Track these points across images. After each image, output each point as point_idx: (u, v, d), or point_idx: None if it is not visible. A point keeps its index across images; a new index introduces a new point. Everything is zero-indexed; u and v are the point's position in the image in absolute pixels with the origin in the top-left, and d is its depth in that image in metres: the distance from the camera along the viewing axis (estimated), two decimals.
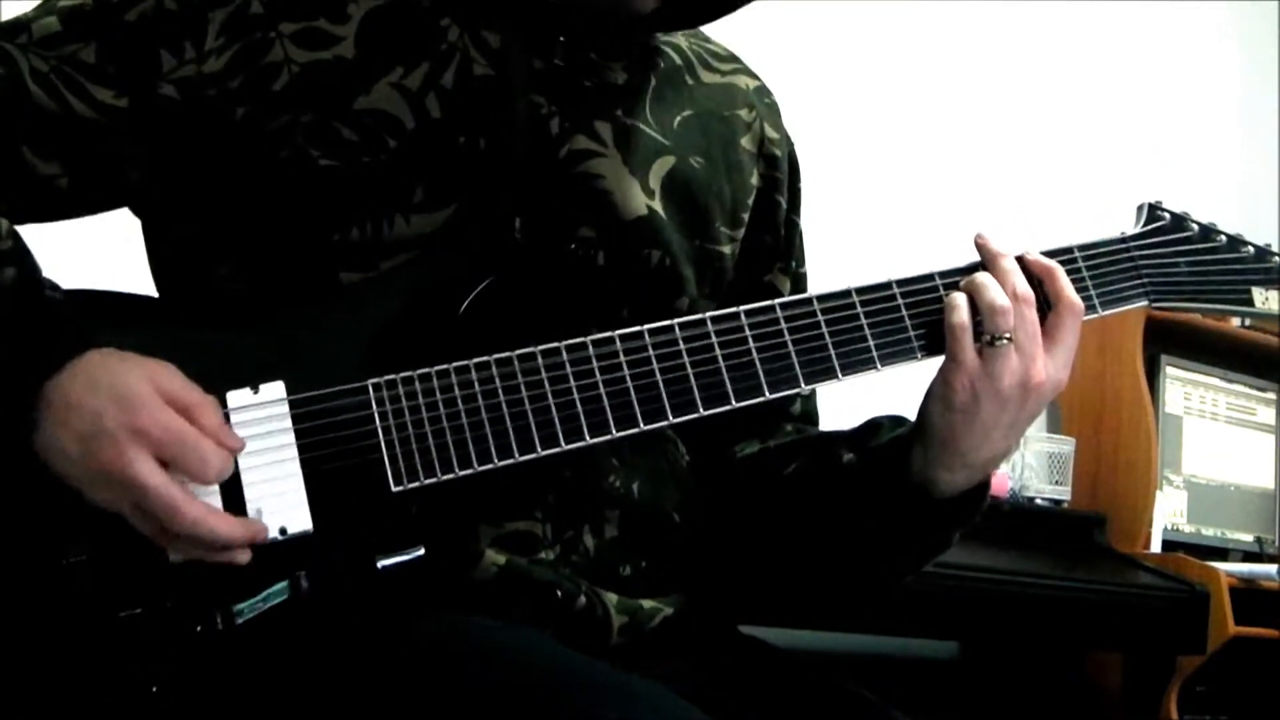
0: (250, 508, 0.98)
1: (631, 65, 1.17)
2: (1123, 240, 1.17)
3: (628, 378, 1.03)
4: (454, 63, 1.09)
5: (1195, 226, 1.20)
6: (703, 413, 1.04)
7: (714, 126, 1.22)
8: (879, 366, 1.07)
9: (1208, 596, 2.86)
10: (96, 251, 1.52)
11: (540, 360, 1.02)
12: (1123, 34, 3.63)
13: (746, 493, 1.23)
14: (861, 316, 1.07)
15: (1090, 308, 1.13)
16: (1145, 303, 1.16)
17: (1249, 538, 3.48)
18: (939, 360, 1.08)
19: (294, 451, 0.99)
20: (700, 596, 1.19)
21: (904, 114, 3.20)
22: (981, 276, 1.08)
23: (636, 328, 1.04)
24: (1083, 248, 1.14)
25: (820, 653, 2.56)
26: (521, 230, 1.08)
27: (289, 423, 1.00)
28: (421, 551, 1.00)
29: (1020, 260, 1.09)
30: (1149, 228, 1.18)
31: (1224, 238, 1.20)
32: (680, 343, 1.04)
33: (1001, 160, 3.31)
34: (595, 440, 1.02)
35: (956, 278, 1.10)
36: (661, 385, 1.04)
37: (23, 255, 1.01)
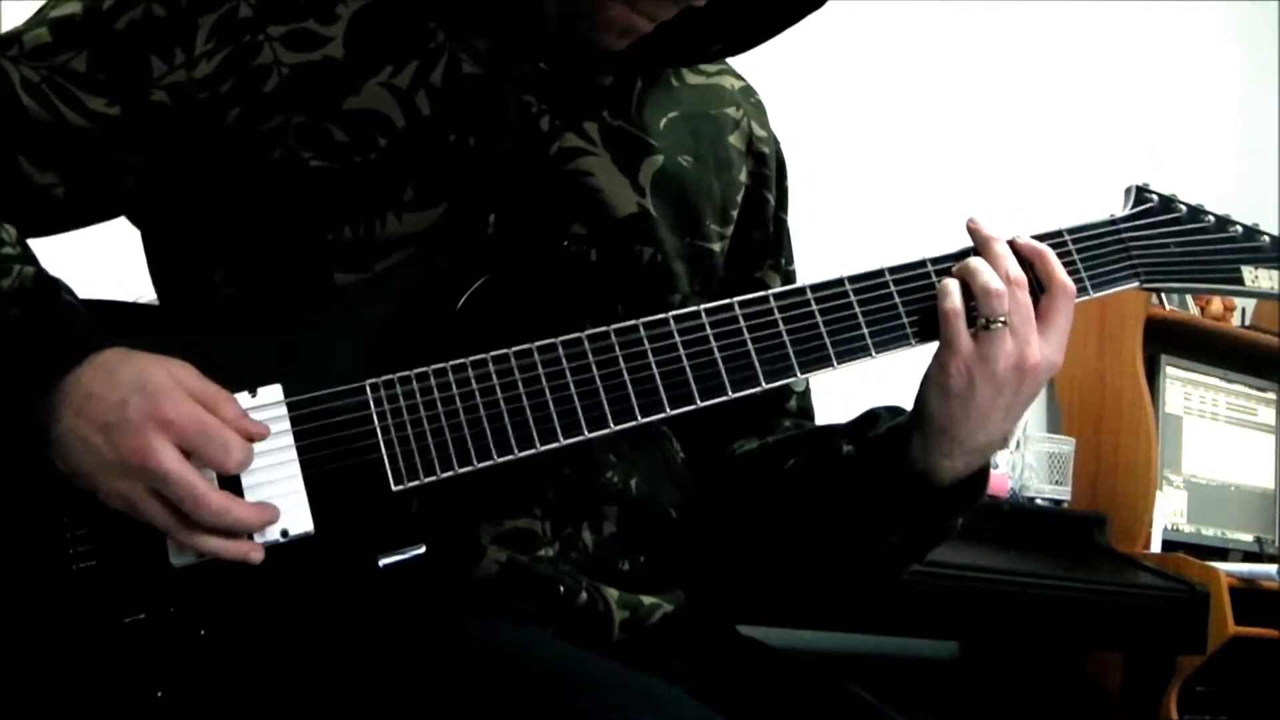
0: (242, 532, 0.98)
1: (618, 68, 1.17)
2: (1112, 222, 1.17)
3: (624, 371, 1.03)
4: (442, 61, 1.09)
5: (1183, 207, 1.20)
6: (700, 404, 1.04)
7: (702, 125, 1.22)
8: (874, 354, 1.07)
9: (1208, 596, 2.86)
10: (97, 260, 1.53)
11: (537, 356, 1.03)
12: (1123, 33, 3.63)
13: (746, 489, 1.23)
14: (855, 305, 1.08)
15: (1081, 290, 1.13)
16: (1136, 284, 1.16)
17: (1249, 538, 3.48)
18: (934, 347, 1.08)
19: (293, 453, 0.99)
20: (699, 596, 1.19)
21: (905, 117, 3.20)
22: (974, 261, 1.08)
23: (631, 322, 1.04)
24: (1072, 230, 1.15)
25: (820, 653, 2.57)
26: (496, 225, 1.08)
27: (288, 425, 1.00)
28: (423, 550, 1.00)
29: (1011, 244, 1.09)
30: (1138, 209, 1.19)
31: (1212, 218, 1.21)
32: (676, 335, 1.05)
33: (1001, 160, 3.32)
34: (594, 434, 1.03)
35: (949, 264, 1.10)
36: (658, 378, 1.04)
37: (34, 258, 1.03)
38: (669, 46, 1.15)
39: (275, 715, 0.98)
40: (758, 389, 1.05)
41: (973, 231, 1.10)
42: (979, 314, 1.06)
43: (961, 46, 3.33)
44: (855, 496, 1.14)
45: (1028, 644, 3.05)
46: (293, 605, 0.99)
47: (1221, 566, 3.00)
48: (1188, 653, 2.89)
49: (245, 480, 0.98)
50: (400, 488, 1.00)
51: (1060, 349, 1.08)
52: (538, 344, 1.03)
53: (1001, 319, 1.05)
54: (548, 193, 1.11)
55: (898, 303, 1.08)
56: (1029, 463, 3.08)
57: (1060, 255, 1.12)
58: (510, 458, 1.01)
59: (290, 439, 1.00)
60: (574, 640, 1.05)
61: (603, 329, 1.04)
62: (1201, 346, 3.52)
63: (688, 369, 1.04)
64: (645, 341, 1.04)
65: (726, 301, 1.06)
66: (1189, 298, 3.55)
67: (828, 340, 1.07)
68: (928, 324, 1.08)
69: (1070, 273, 1.11)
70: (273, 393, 1.00)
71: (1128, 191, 1.20)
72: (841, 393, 1.43)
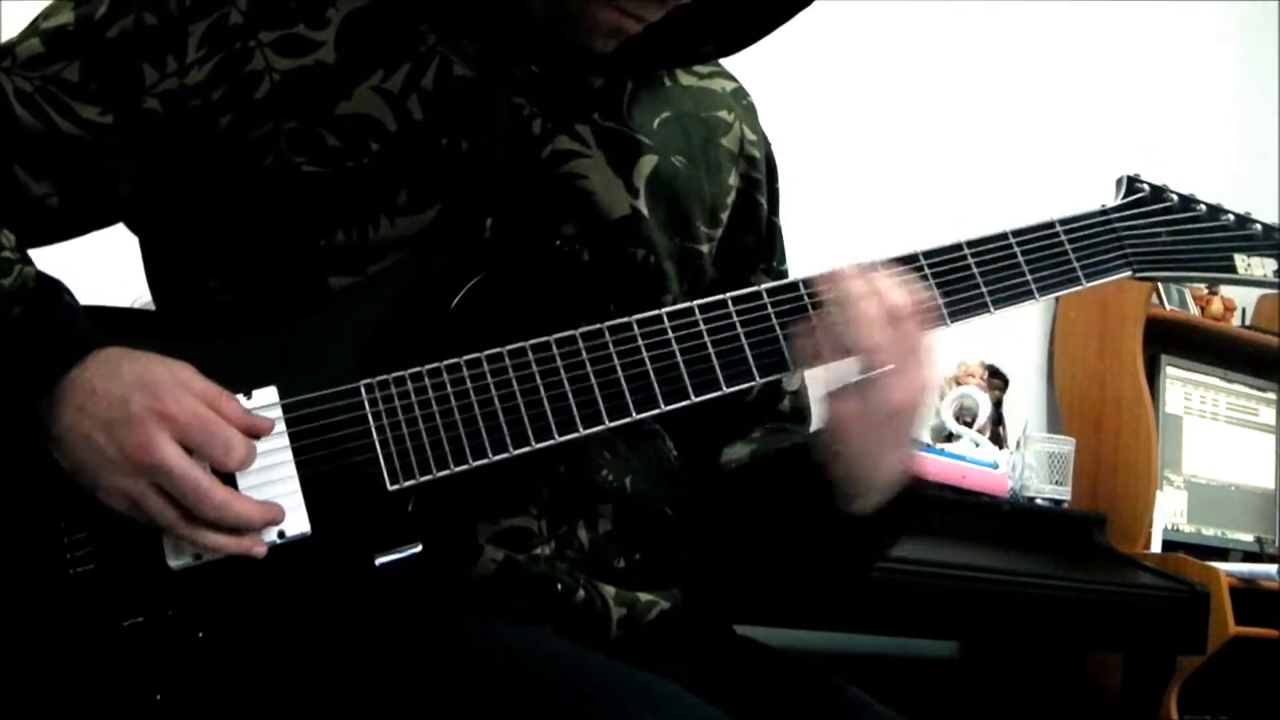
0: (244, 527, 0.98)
1: (609, 70, 1.17)
2: (1103, 212, 1.17)
3: (618, 368, 1.04)
4: (434, 64, 1.09)
5: (1175, 197, 1.20)
6: (694, 399, 1.05)
7: (694, 127, 1.22)
8: None
9: (1208, 596, 2.86)
10: (95, 267, 1.53)
11: (531, 355, 1.03)
12: (1122, 33, 3.63)
13: (726, 502, 1.23)
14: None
15: (1074, 280, 1.13)
16: (1129, 273, 1.16)
17: (1249, 538, 3.48)
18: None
19: (289, 455, 1.00)
20: (695, 593, 1.19)
21: (904, 116, 3.20)
22: (863, 309, 1.04)
23: (624, 319, 1.05)
24: (1064, 221, 1.15)
25: (820, 653, 2.57)
26: (492, 230, 1.09)
27: (283, 427, 1.00)
28: (419, 548, 1.00)
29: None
30: (1129, 199, 1.19)
31: (1204, 207, 1.21)
32: (669, 332, 1.05)
33: (1000, 159, 3.32)
34: (589, 431, 1.03)
35: (941, 257, 1.09)
36: (652, 375, 1.04)
37: (33, 262, 1.04)
38: (660, 47, 1.15)
39: (274, 717, 0.98)
40: (751, 383, 1.06)
41: (844, 280, 1.05)
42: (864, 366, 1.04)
43: (961, 46, 3.33)
44: (803, 528, 1.15)
45: (1028, 644, 3.05)
46: (291, 606, 0.99)
47: (1221, 566, 3.00)
48: (1188, 653, 2.89)
49: (241, 482, 0.98)
50: (396, 487, 1.00)
51: (920, 370, 1.05)
52: (532, 342, 1.03)
53: (873, 372, 1.04)
54: (541, 195, 1.11)
55: None
56: (1029, 463, 3.08)
57: (1052, 246, 1.12)
58: (505, 456, 1.01)
59: (286, 440, 1.00)
60: (572, 638, 1.05)
61: (596, 326, 1.04)
62: (1201, 346, 3.52)
63: (681, 365, 1.04)
64: (639, 339, 1.04)
65: (720, 297, 1.06)
66: (1189, 297, 3.55)
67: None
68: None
69: (1062, 263, 1.12)
70: (268, 395, 1.00)
71: (1119, 182, 1.21)
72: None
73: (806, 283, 1.08)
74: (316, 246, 1.06)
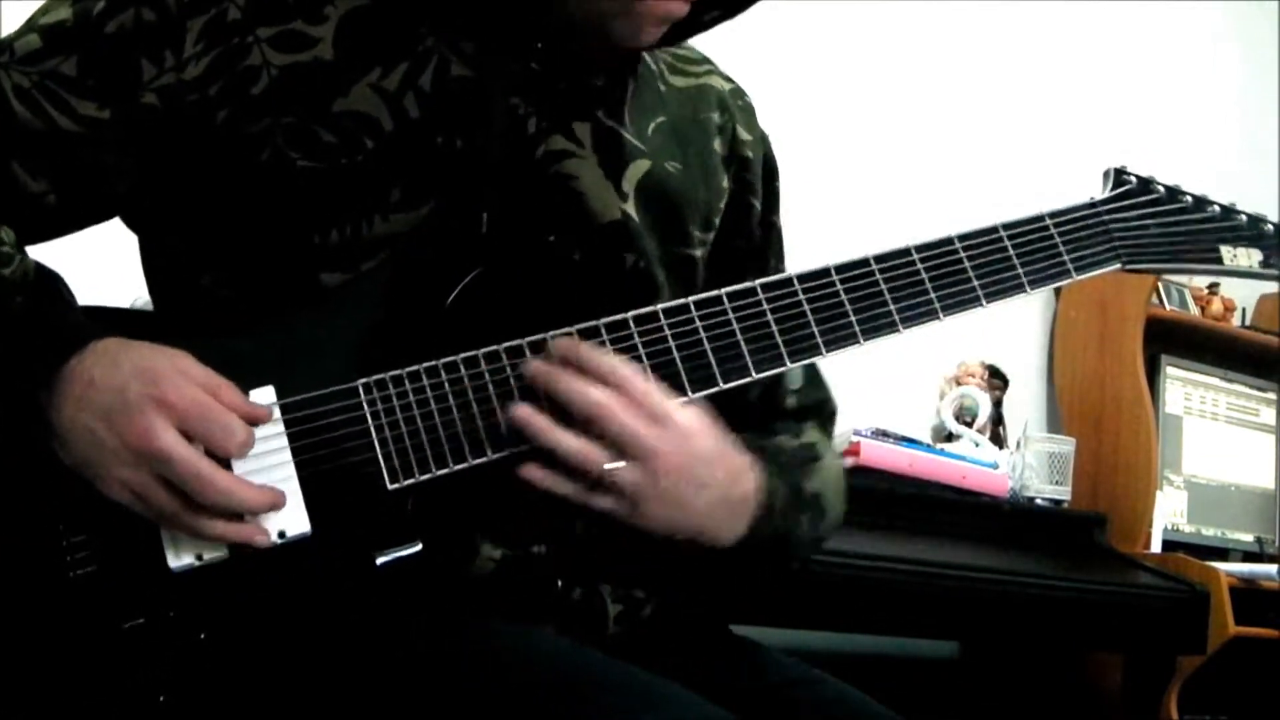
0: (246, 514, 0.98)
1: (609, 71, 1.17)
2: (1092, 205, 1.17)
3: None
4: (431, 64, 1.09)
5: (1162, 189, 1.21)
6: (691, 396, 1.05)
7: (688, 131, 1.22)
8: (861, 341, 1.08)
9: (1208, 596, 2.86)
10: (93, 265, 1.53)
11: (528, 353, 1.03)
12: (1122, 33, 3.63)
13: None
14: (842, 294, 1.08)
15: (1064, 273, 1.14)
16: (1118, 265, 1.16)
17: (1249, 538, 3.48)
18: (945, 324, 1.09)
19: (288, 455, 1.00)
20: (692, 594, 1.19)
21: (905, 115, 3.20)
22: (550, 438, 1.00)
23: (620, 316, 1.05)
24: (1053, 214, 1.15)
25: (820, 653, 2.56)
26: (489, 226, 1.09)
27: (281, 426, 1.00)
28: (419, 547, 1.00)
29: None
30: (1117, 192, 1.19)
31: (1190, 198, 1.22)
32: (666, 329, 1.05)
33: (999, 159, 3.32)
34: None
35: (932, 251, 1.09)
36: (649, 371, 1.04)
37: (29, 257, 1.04)
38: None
39: (276, 717, 0.98)
40: (748, 379, 1.06)
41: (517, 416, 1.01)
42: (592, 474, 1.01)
43: (961, 45, 3.33)
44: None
45: (1028, 644, 3.05)
46: (291, 606, 0.99)
47: (1221, 566, 3.00)
48: (1188, 653, 2.89)
49: None
50: (395, 486, 1.00)
51: (652, 429, 1.00)
52: (528, 339, 1.03)
53: (615, 466, 1.01)
54: (533, 195, 1.11)
55: (883, 289, 1.09)
56: (1029, 463, 3.08)
57: (1042, 239, 1.13)
58: (505, 453, 1.01)
59: (284, 440, 1.00)
60: (570, 635, 1.05)
61: (592, 324, 1.04)
62: (1201, 346, 3.52)
63: (678, 361, 1.05)
64: (635, 336, 1.04)
65: (715, 293, 1.07)
66: (1189, 297, 3.55)
67: (816, 329, 1.07)
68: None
69: (1052, 256, 1.12)
70: (266, 394, 1.00)
71: (1106, 174, 1.21)
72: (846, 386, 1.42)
73: (801, 278, 1.08)
74: (310, 243, 1.06)
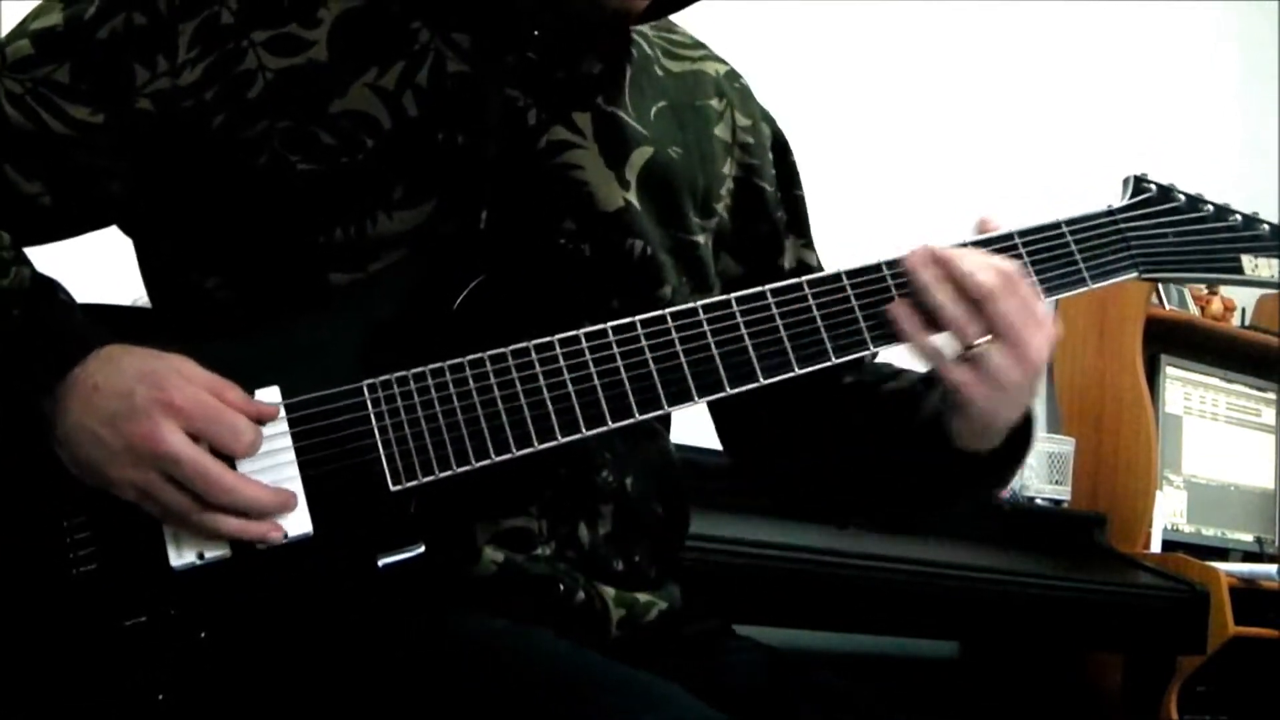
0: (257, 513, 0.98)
1: (606, 56, 1.17)
2: (1109, 213, 1.16)
3: (621, 369, 1.03)
4: (428, 61, 1.09)
5: (1182, 197, 1.19)
6: (697, 400, 1.05)
7: (687, 117, 1.22)
8: (871, 347, 1.08)
9: (1208, 596, 2.86)
10: (93, 266, 1.53)
11: (534, 355, 1.03)
12: (1123, 33, 3.63)
13: (838, 413, 1.22)
14: (853, 299, 1.07)
15: (1080, 281, 1.13)
16: (1135, 274, 1.15)
17: (1249, 538, 3.48)
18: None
19: (291, 455, 0.99)
20: (695, 595, 1.19)
21: (905, 115, 3.20)
22: (932, 298, 1.05)
23: (628, 319, 1.04)
24: (1070, 222, 1.14)
25: (820, 653, 2.57)
26: (488, 221, 1.09)
27: (285, 427, 1.00)
28: (422, 549, 1.00)
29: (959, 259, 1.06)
30: (1135, 200, 1.17)
31: (1211, 207, 1.19)
32: (673, 332, 1.05)
33: (999, 159, 3.32)
34: (592, 432, 1.03)
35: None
36: (655, 375, 1.04)
37: (29, 262, 1.04)
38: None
39: (276, 717, 0.98)
40: (755, 384, 1.05)
41: (915, 269, 1.06)
42: (960, 345, 1.05)
43: (962, 46, 3.33)
44: (912, 469, 1.16)
45: (1028, 644, 3.05)
46: (293, 606, 0.99)
47: (1221, 566, 3.00)
48: (1188, 653, 2.90)
49: None
50: (399, 488, 1.00)
51: (1039, 325, 1.06)
52: (534, 342, 1.03)
53: (979, 341, 1.05)
54: (537, 187, 1.11)
55: (895, 295, 1.08)
56: (1029, 463, 3.08)
57: (1058, 247, 1.12)
58: (508, 457, 1.01)
59: (288, 441, 1.00)
60: (572, 638, 1.05)
61: (600, 327, 1.04)
62: (1201, 346, 3.52)
63: (685, 365, 1.04)
64: (643, 339, 1.04)
65: (724, 298, 1.06)
66: (1189, 297, 3.55)
67: (825, 335, 1.06)
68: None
69: (1068, 264, 1.11)
70: (270, 395, 1.00)
71: (1125, 181, 1.19)
72: None
73: (810, 283, 1.08)
74: (315, 244, 1.06)
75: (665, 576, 1.18)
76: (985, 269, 1.05)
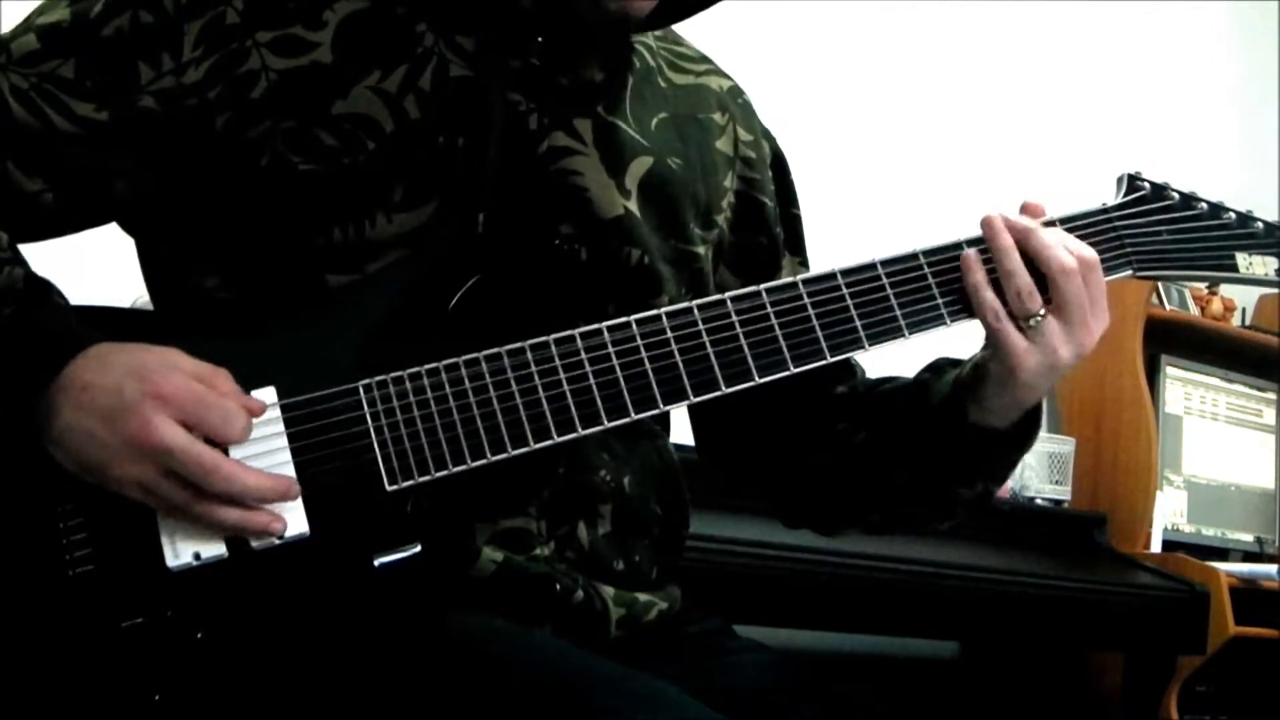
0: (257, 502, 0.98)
1: (608, 64, 1.17)
2: (1104, 211, 1.16)
3: (617, 368, 1.03)
4: (431, 65, 1.09)
5: (1176, 195, 1.19)
6: (693, 399, 1.04)
7: (689, 129, 1.22)
8: (866, 346, 1.08)
9: (1208, 596, 2.86)
10: (94, 265, 1.53)
11: (529, 354, 1.03)
12: (1123, 33, 3.63)
13: (842, 422, 1.23)
14: (847, 297, 1.07)
15: None
16: (1129, 272, 1.15)
17: (1249, 538, 3.48)
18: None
19: (288, 455, 0.99)
20: (695, 595, 1.19)
21: (905, 115, 3.20)
22: (1009, 262, 1.07)
23: (623, 319, 1.04)
24: (1065, 220, 1.14)
25: (820, 653, 2.57)
26: (486, 224, 1.09)
27: (281, 427, 1.00)
28: (418, 548, 1.00)
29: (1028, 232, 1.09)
30: (1130, 198, 1.18)
31: (1205, 205, 1.20)
32: (668, 331, 1.05)
33: (999, 159, 3.32)
34: (587, 431, 1.03)
35: (938, 256, 1.09)
36: (651, 374, 1.04)
37: (24, 261, 1.03)
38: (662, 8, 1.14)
39: (273, 718, 0.98)
40: (750, 384, 1.05)
41: (994, 230, 1.09)
42: (1014, 312, 1.07)
43: (963, 46, 3.33)
44: (918, 460, 1.16)
45: (1028, 644, 3.06)
46: (289, 607, 0.99)
47: (1221, 566, 3.00)
48: (1188, 653, 2.90)
49: None
50: (395, 487, 1.00)
51: (1103, 315, 1.09)
52: (530, 342, 1.03)
53: (1041, 312, 1.06)
54: (536, 192, 1.11)
55: (889, 293, 1.08)
56: (1029, 463, 3.08)
57: None
58: (504, 456, 1.01)
59: (284, 441, 0.99)
60: (571, 639, 1.05)
61: (595, 326, 1.04)
62: (1201, 346, 3.52)
63: (680, 364, 1.04)
64: (638, 338, 1.04)
65: (719, 297, 1.06)
66: (1189, 297, 3.55)
67: (820, 333, 1.07)
68: (962, 302, 1.09)
69: None
70: (266, 395, 1.00)
71: (1119, 180, 1.19)
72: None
73: (806, 282, 1.08)
74: (314, 244, 1.06)
75: (665, 576, 1.18)
76: (1063, 247, 1.07)
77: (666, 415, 1.18)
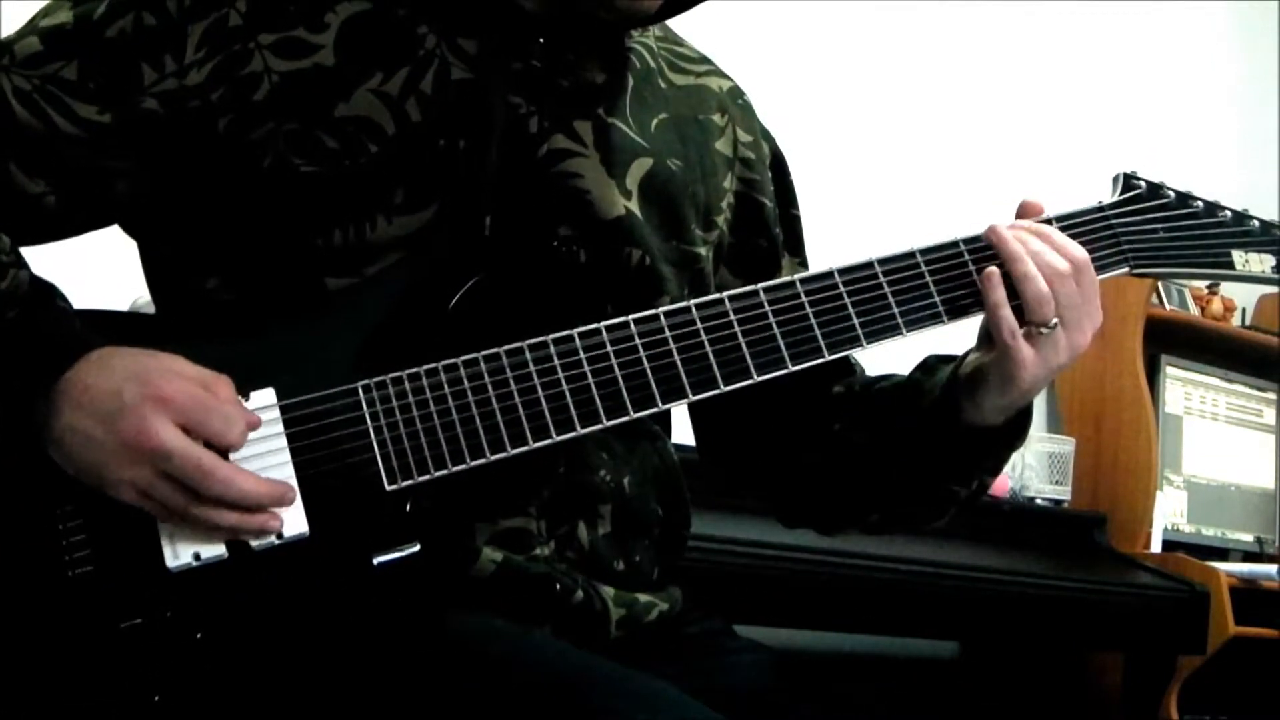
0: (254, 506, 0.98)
1: (609, 66, 1.17)
2: (1100, 209, 1.17)
3: (615, 367, 1.04)
4: (432, 68, 1.10)
5: (1171, 193, 1.20)
6: (691, 398, 1.05)
7: (689, 130, 1.22)
8: (865, 344, 1.08)
9: (1208, 596, 2.86)
10: (95, 267, 1.53)
11: (528, 354, 1.03)
12: (1123, 33, 3.63)
13: (837, 421, 1.23)
14: (844, 295, 1.08)
15: None
16: (1126, 269, 1.16)
17: (1249, 538, 3.48)
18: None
19: (287, 456, 0.99)
20: (695, 595, 1.19)
21: (905, 116, 3.20)
22: (1022, 267, 1.08)
23: (622, 318, 1.05)
24: (1060, 218, 1.14)
25: (820, 653, 2.57)
26: (491, 228, 1.09)
27: (281, 428, 1.00)
28: (417, 548, 1.00)
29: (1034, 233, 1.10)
30: (1125, 196, 1.18)
31: (1201, 203, 1.20)
32: (666, 330, 1.05)
33: (999, 160, 3.32)
34: (586, 430, 1.03)
35: (937, 254, 1.10)
36: (649, 373, 1.04)
37: (27, 265, 1.04)
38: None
39: (273, 718, 0.98)
40: (749, 381, 1.05)
41: (1000, 239, 1.09)
42: (1030, 320, 1.07)
43: (963, 46, 3.33)
44: (914, 459, 1.17)
45: (1028, 644, 3.06)
46: (289, 607, 0.99)
47: (1221, 566, 3.00)
48: (1188, 653, 2.90)
49: None
50: (394, 487, 1.00)
51: (1096, 314, 1.10)
52: (529, 342, 1.03)
53: (1054, 321, 1.07)
54: (537, 194, 1.11)
55: (886, 291, 1.08)
56: (1029, 463, 3.08)
57: None
58: (503, 455, 1.01)
59: (284, 441, 0.99)
60: (571, 639, 1.05)
61: (594, 326, 1.04)
62: (1201, 346, 3.52)
63: (678, 363, 1.04)
64: (636, 337, 1.04)
65: (716, 296, 1.06)
66: (1189, 297, 3.55)
67: (818, 331, 1.07)
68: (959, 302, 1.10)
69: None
70: (266, 396, 1.00)
71: (1115, 179, 1.20)
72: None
73: (803, 280, 1.08)
74: (314, 247, 1.06)
75: (666, 577, 1.18)
76: (1053, 251, 1.08)
77: (667, 416, 1.18)
